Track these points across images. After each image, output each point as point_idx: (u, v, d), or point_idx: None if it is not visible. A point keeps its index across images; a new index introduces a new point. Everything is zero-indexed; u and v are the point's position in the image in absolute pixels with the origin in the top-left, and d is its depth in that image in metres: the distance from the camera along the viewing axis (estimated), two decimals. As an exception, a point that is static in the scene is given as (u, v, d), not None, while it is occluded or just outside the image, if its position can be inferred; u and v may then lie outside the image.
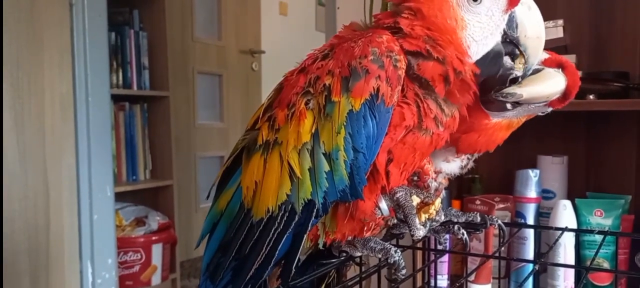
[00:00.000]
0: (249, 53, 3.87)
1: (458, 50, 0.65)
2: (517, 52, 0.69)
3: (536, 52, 0.69)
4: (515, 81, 0.72)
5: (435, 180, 0.78)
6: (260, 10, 3.98)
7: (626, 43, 1.53)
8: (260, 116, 0.67)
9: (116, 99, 2.81)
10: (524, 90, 0.71)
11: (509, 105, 0.73)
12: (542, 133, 1.66)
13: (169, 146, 3.06)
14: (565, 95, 0.75)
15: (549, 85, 0.74)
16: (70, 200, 2.01)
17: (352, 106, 0.60)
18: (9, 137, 1.81)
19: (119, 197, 2.69)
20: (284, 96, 0.66)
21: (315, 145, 0.61)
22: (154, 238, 2.84)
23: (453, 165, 0.80)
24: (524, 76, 0.71)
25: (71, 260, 2.02)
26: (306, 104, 0.62)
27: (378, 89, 0.60)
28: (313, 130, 0.61)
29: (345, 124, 0.60)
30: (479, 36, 0.66)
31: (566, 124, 1.62)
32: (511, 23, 0.68)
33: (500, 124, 0.76)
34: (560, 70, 0.75)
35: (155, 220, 2.89)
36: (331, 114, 0.61)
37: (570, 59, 1.48)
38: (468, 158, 0.83)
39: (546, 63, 0.75)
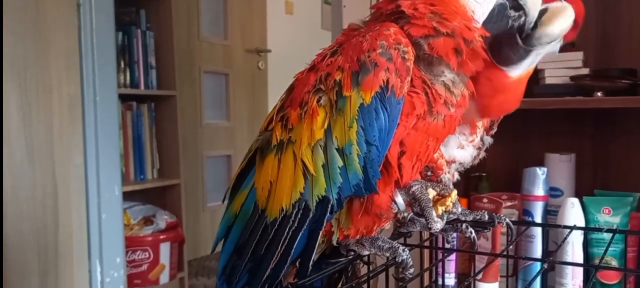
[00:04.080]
0: (255, 52, 3.88)
1: (464, 18, 0.64)
2: (516, 6, 0.68)
3: (536, 5, 0.69)
4: (521, 31, 0.70)
5: (446, 172, 0.78)
6: (266, 9, 3.98)
7: (633, 40, 1.53)
8: (274, 117, 0.68)
9: (123, 98, 2.83)
10: (554, 27, 0.71)
11: (541, 49, 0.72)
12: (549, 130, 1.66)
13: (176, 145, 3.07)
14: (576, 23, 0.75)
15: (566, 17, 0.73)
16: (78, 199, 2.02)
17: (363, 100, 0.61)
18: (17, 138, 1.82)
19: (127, 196, 2.71)
20: (295, 95, 0.66)
21: (328, 141, 0.62)
22: (161, 237, 2.85)
23: (466, 153, 0.80)
24: (525, 27, 0.70)
25: (80, 259, 2.04)
26: (318, 101, 0.63)
27: (388, 81, 0.61)
28: (325, 126, 0.62)
29: (357, 117, 0.61)
30: None
31: (573, 122, 1.62)
32: None
33: (521, 77, 0.75)
34: (562, 1, 0.75)
35: (163, 219, 2.90)
36: (343, 109, 0.61)
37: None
38: (479, 149, 0.83)
39: (545, 1, 0.76)
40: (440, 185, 0.70)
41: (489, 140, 0.84)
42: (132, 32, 2.90)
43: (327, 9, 4.23)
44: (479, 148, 0.83)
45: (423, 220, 0.70)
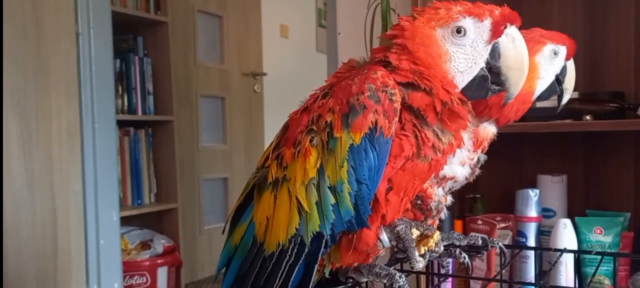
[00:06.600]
0: (251, 75, 3.91)
1: (444, 82, 0.68)
2: (497, 82, 0.71)
3: (517, 83, 0.71)
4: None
5: (435, 201, 0.80)
6: (261, 33, 4.02)
7: (621, 64, 1.57)
8: (270, 154, 0.71)
9: (121, 124, 2.85)
10: (569, 86, 0.88)
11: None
12: (541, 152, 1.69)
13: (174, 169, 3.09)
14: (568, 58, 0.89)
15: (571, 67, 0.89)
16: (77, 226, 2.04)
17: (353, 140, 0.64)
18: (17, 166, 1.84)
19: (124, 220, 2.72)
20: (290, 135, 0.69)
21: (321, 179, 0.65)
22: (159, 261, 2.85)
23: (464, 171, 0.82)
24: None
25: (78, 284, 2.04)
26: (310, 141, 0.66)
27: (376, 122, 0.64)
28: (318, 166, 0.65)
29: (347, 157, 0.64)
30: (463, 67, 0.70)
31: (565, 144, 1.65)
32: (494, 53, 0.70)
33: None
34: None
35: (160, 243, 2.90)
36: (334, 149, 0.64)
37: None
38: (474, 165, 0.85)
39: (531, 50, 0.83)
40: (424, 226, 0.73)
41: (483, 157, 0.87)
42: (130, 59, 2.93)
43: (322, 32, 4.28)
44: (475, 165, 0.85)
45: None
